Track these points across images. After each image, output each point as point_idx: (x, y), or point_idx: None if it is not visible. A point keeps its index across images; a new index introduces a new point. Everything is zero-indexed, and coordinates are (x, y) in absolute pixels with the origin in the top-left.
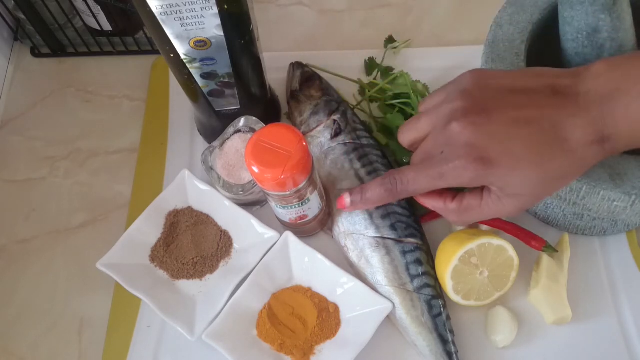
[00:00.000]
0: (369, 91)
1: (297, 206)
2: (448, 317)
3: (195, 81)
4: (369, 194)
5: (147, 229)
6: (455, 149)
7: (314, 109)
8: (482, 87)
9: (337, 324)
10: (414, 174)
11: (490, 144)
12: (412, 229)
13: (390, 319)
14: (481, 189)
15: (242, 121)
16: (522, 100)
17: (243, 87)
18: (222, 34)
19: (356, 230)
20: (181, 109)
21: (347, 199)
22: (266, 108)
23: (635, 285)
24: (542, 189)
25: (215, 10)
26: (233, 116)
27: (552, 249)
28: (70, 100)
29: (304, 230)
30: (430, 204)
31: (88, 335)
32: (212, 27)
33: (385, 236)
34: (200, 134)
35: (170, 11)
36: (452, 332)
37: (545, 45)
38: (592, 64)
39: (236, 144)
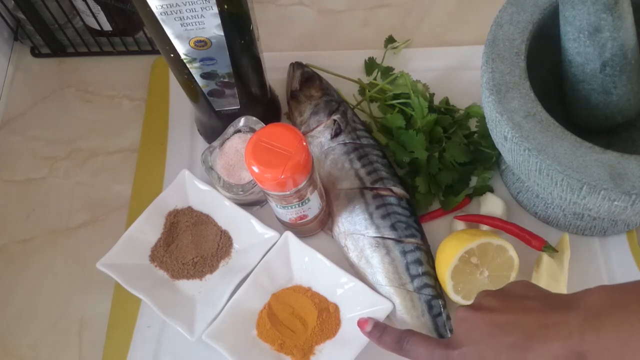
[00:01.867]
0: (369, 91)
1: (297, 206)
2: (448, 317)
3: (195, 81)
4: (385, 340)
5: (147, 228)
6: (452, 338)
7: (314, 109)
8: (492, 293)
9: (337, 324)
10: (419, 341)
11: (468, 340)
12: (412, 229)
13: (390, 319)
14: None
15: (242, 121)
16: (511, 304)
17: (243, 87)
18: (222, 33)
19: (356, 230)
20: (181, 109)
21: (369, 327)
22: (266, 108)
23: None
24: None
25: (215, 10)
26: (233, 116)
27: (552, 249)
28: (70, 100)
29: (304, 230)
30: None
31: (88, 335)
32: (212, 27)
33: (386, 236)
34: (200, 134)
35: (170, 11)
36: (452, 332)
37: (545, 45)
38: (588, 291)
39: (236, 144)
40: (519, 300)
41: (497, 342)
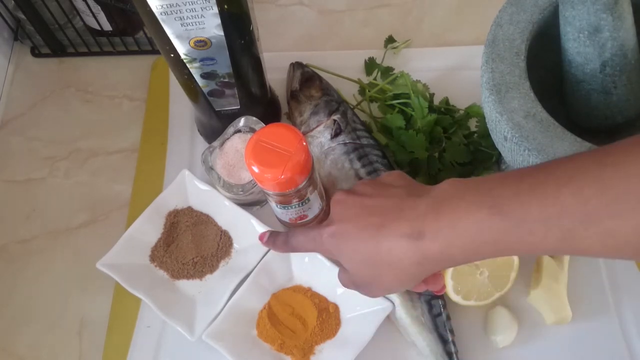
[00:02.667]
0: (369, 91)
1: (297, 206)
2: (448, 317)
3: (195, 81)
4: (277, 245)
5: (147, 229)
6: (328, 219)
7: (314, 109)
8: (367, 182)
9: (337, 324)
10: (299, 232)
11: (339, 219)
12: None
13: (390, 319)
14: None
15: (242, 121)
16: (379, 191)
17: (243, 87)
18: (222, 33)
19: None
20: (181, 109)
21: (265, 238)
22: (266, 108)
23: (635, 285)
24: (360, 267)
25: (216, 10)
26: (233, 116)
27: None
28: (70, 100)
29: None
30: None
31: (88, 336)
32: (212, 27)
33: None
34: (200, 134)
35: (170, 11)
36: (452, 332)
37: (545, 45)
38: (442, 182)
39: (236, 144)
40: (387, 188)
41: (361, 221)
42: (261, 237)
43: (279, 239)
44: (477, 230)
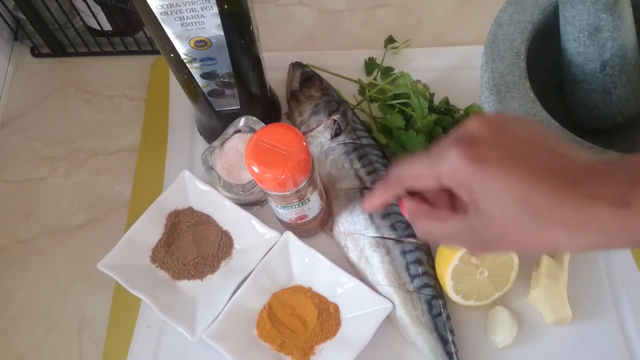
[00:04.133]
0: (369, 91)
1: (297, 206)
2: (448, 317)
3: (195, 81)
4: (377, 195)
5: (148, 229)
6: (458, 134)
7: (314, 109)
8: (511, 120)
9: (337, 324)
10: (410, 159)
11: (495, 144)
12: (412, 229)
13: (390, 319)
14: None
15: (242, 121)
16: (544, 141)
17: (243, 87)
18: (222, 33)
19: (356, 230)
20: (181, 109)
21: (367, 202)
22: (266, 108)
23: (635, 286)
24: (516, 218)
25: (215, 10)
26: (233, 116)
27: None
28: (70, 100)
29: (304, 230)
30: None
31: (88, 335)
32: (212, 27)
33: (385, 236)
34: (200, 134)
35: (170, 11)
36: (452, 332)
37: (545, 45)
38: (630, 156)
39: (236, 144)
40: (552, 141)
41: (539, 163)
42: (365, 206)
43: (380, 188)
44: None
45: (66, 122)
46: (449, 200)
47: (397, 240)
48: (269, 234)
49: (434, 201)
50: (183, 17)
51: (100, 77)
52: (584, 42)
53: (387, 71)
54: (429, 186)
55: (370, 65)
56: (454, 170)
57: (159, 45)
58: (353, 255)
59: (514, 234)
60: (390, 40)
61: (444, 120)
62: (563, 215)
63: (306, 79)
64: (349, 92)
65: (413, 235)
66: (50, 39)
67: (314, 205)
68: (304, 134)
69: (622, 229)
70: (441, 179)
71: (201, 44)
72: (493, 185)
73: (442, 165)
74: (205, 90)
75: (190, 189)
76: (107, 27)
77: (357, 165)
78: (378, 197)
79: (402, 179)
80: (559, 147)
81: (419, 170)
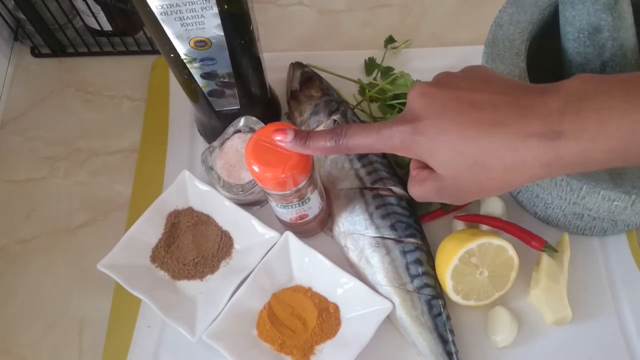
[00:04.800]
0: (369, 91)
1: (297, 205)
2: (448, 317)
3: (195, 81)
4: (313, 144)
5: (148, 229)
6: (404, 114)
7: (314, 109)
8: (454, 74)
9: (337, 324)
10: (358, 128)
11: (428, 114)
12: (412, 229)
13: (390, 319)
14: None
15: (242, 121)
16: (480, 85)
17: (243, 87)
18: (222, 34)
19: (356, 230)
20: (181, 109)
21: (289, 135)
22: (266, 108)
23: (635, 285)
24: (460, 171)
25: (215, 10)
26: (233, 116)
27: (552, 249)
28: (70, 100)
29: (304, 230)
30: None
31: (88, 336)
32: (212, 27)
33: (385, 236)
34: (200, 134)
35: (170, 11)
36: (452, 332)
37: (545, 45)
38: (568, 79)
39: (236, 144)
40: (489, 83)
41: (465, 117)
42: (279, 134)
43: (318, 137)
44: (630, 131)
45: (66, 122)
46: None
47: (397, 240)
48: (269, 234)
49: None
50: (183, 17)
51: (100, 77)
52: (584, 42)
53: (387, 71)
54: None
55: (370, 65)
56: (403, 145)
57: (159, 45)
58: (353, 255)
59: (470, 185)
60: (390, 40)
61: None
62: (498, 158)
63: (306, 79)
64: (349, 92)
65: (413, 235)
66: (50, 39)
67: (314, 204)
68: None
69: (558, 159)
70: (397, 152)
71: (201, 44)
72: (435, 149)
73: (393, 142)
74: (205, 90)
75: (190, 189)
76: (107, 27)
77: (357, 165)
78: (320, 149)
79: (354, 150)
80: (489, 88)
81: (374, 145)
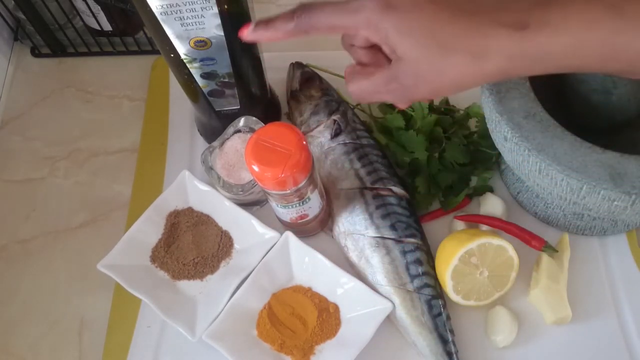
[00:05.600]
0: None
1: (297, 205)
2: (448, 317)
3: (195, 81)
4: (274, 25)
5: (148, 229)
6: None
7: (314, 109)
8: None
9: (337, 324)
10: (322, 4)
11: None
12: (412, 228)
13: (390, 319)
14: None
15: (242, 121)
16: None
17: (243, 87)
18: (222, 33)
19: (356, 230)
20: (181, 109)
21: (250, 26)
22: (266, 108)
23: (635, 285)
24: (425, 53)
25: (215, 10)
26: (233, 116)
27: (552, 249)
28: (70, 100)
29: (304, 230)
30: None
31: (88, 335)
32: (212, 27)
33: (385, 236)
34: (200, 134)
35: (170, 11)
36: (452, 332)
37: None
38: None
39: (236, 144)
40: None
41: (440, 4)
42: (243, 28)
43: (278, 18)
44: (587, 26)
45: (66, 122)
46: (385, 61)
47: (397, 240)
48: (269, 234)
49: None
50: (183, 17)
51: (100, 77)
52: None
53: None
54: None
55: None
56: (370, 19)
57: (159, 45)
58: (353, 255)
59: (429, 72)
60: None
61: (444, 120)
62: (466, 43)
63: (306, 79)
64: (349, 92)
65: (413, 235)
66: (50, 39)
67: (314, 204)
68: (304, 133)
69: (521, 51)
70: (359, 30)
71: (201, 44)
72: (404, 25)
73: (359, 16)
74: (205, 90)
75: (190, 189)
76: (107, 27)
77: (357, 165)
78: (278, 31)
79: (316, 27)
80: None
81: (336, 21)
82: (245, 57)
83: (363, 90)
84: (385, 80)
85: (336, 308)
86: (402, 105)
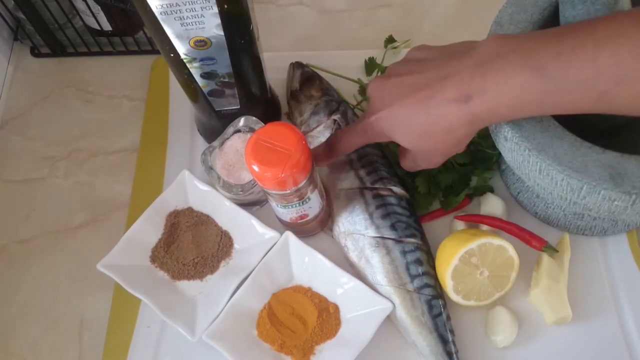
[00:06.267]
0: None
1: (297, 205)
2: (448, 317)
3: (195, 81)
4: (320, 162)
5: (148, 229)
6: (369, 108)
7: (314, 109)
8: (399, 63)
9: (337, 324)
10: (343, 133)
11: (382, 104)
12: (412, 229)
13: (390, 319)
14: None
15: (242, 121)
16: (416, 67)
17: (243, 87)
18: (222, 33)
19: (356, 230)
20: (181, 109)
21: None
22: (266, 108)
23: (635, 285)
24: (417, 142)
25: (215, 9)
26: (233, 116)
27: (552, 249)
28: (70, 100)
29: (304, 230)
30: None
31: (88, 335)
32: (212, 26)
33: (385, 236)
34: (200, 134)
35: (170, 11)
36: (452, 332)
37: None
38: (484, 41)
39: (236, 144)
40: (423, 62)
41: (408, 99)
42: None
43: (319, 151)
44: (521, 91)
45: (66, 122)
46: None
47: (397, 240)
48: (269, 234)
49: None
50: (183, 17)
51: (100, 77)
52: None
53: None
54: None
55: (370, 65)
56: (375, 134)
57: (159, 45)
58: (353, 255)
59: (429, 150)
60: (390, 40)
61: None
62: (436, 125)
63: (306, 79)
64: (349, 92)
65: (413, 235)
66: (50, 39)
67: (314, 204)
68: (304, 133)
69: (475, 116)
70: (375, 140)
71: (201, 43)
72: (394, 131)
73: (368, 134)
74: (205, 90)
75: (190, 189)
76: (107, 27)
77: (357, 165)
78: (328, 162)
79: (348, 150)
80: (423, 67)
81: (357, 141)
82: (245, 57)
83: (406, 166)
84: (412, 159)
85: (336, 308)
86: (431, 167)
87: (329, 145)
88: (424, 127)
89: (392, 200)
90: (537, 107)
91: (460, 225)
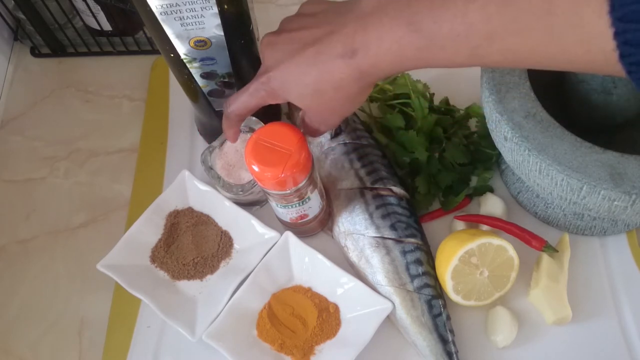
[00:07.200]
0: None
1: (297, 205)
2: (448, 317)
3: (195, 81)
4: (225, 130)
5: (148, 229)
6: (262, 66)
7: None
8: (290, 18)
9: (337, 324)
10: (235, 95)
11: (274, 62)
12: (412, 229)
13: (390, 319)
14: None
15: None
16: (307, 21)
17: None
18: (222, 33)
19: (356, 230)
20: (181, 109)
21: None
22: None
23: (635, 285)
24: (309, 100)
25: (215, 9)
26: None
27: (552, 249)
28: (70, 100)
29: (304, 230)
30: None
31: (88, 335)
32: (212, 26)
33: (385, 236)
34: (200, 134)
35: (170, 11)
36: (452, 332)
37: None
38: None
39: (236, 144)
40: (313, 16)
41: (298, 56)
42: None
43: (224, 121)
44: (398, 47)
45: (66, 122)
46: None
47: (397, 240)
48: (269, 234)
49: None
50: (183, 17)
51: (100, 77)
52: None
53: None
54: None
55: None
56: (268, 94)
57: (159, 45)
58: (353, 255)
59: (323, 109)
60: None
61: (444, 120)
62: (325, 81)
63: None
64: None
65: (413, 235)
66: (50, 39)
67: (314, 204)
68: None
69: (362, 72)
70: (269, 100)
71: (201, 43)
72: (288, 90)
73: (260, 94)
74: (205, 90)
75: (190, 189)
76: (107, 27)
77: (357, 165)
78: (230, 131)
79: (242, 113)
80: (315, 22)
81: (250, 102)
82: (245, 57)
83: (307, 127)
84: (309, 120)
85: (336, 308)
86: (327, 127)
87: (226, 110)
88: (316, 84)
89: (392, 200)
90: (414, 63)
91: (460, 225)
